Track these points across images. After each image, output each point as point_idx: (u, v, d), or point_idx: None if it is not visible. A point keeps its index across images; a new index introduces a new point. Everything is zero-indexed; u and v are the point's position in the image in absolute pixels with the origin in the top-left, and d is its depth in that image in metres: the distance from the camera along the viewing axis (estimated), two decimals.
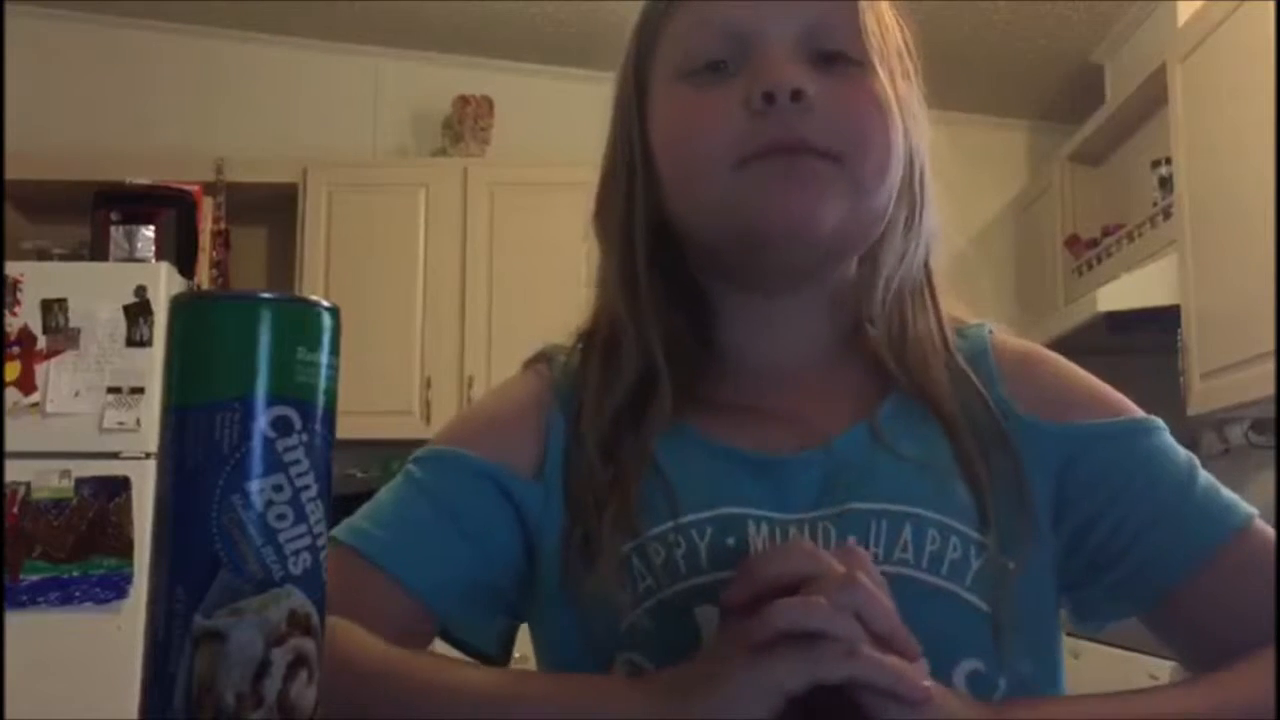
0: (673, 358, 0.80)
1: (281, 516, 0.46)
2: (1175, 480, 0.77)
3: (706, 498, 0.75)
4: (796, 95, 0.73)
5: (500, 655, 0.81)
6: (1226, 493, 0.77)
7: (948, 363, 0.81)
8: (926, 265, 0.84)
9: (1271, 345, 2.50)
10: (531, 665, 0.79)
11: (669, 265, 0.82)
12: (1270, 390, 2.53)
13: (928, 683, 0.61)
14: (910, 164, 0.81)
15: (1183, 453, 0.78)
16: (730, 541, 0.73)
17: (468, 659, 0.79)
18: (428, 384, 3.75)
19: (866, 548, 0.71)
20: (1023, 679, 0.73)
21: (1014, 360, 0.82)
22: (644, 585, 0.73)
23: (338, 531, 0.77)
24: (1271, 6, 2.52)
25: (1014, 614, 0.73)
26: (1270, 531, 0.76)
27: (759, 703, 0.59)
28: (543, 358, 0.87)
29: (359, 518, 0.79)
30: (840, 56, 0.77)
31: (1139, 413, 0.80)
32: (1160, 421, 0.79)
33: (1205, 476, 0.77)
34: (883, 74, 0.77)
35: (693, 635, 0.71)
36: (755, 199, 0.75)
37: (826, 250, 0.78)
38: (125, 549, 3.09)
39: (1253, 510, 0.76)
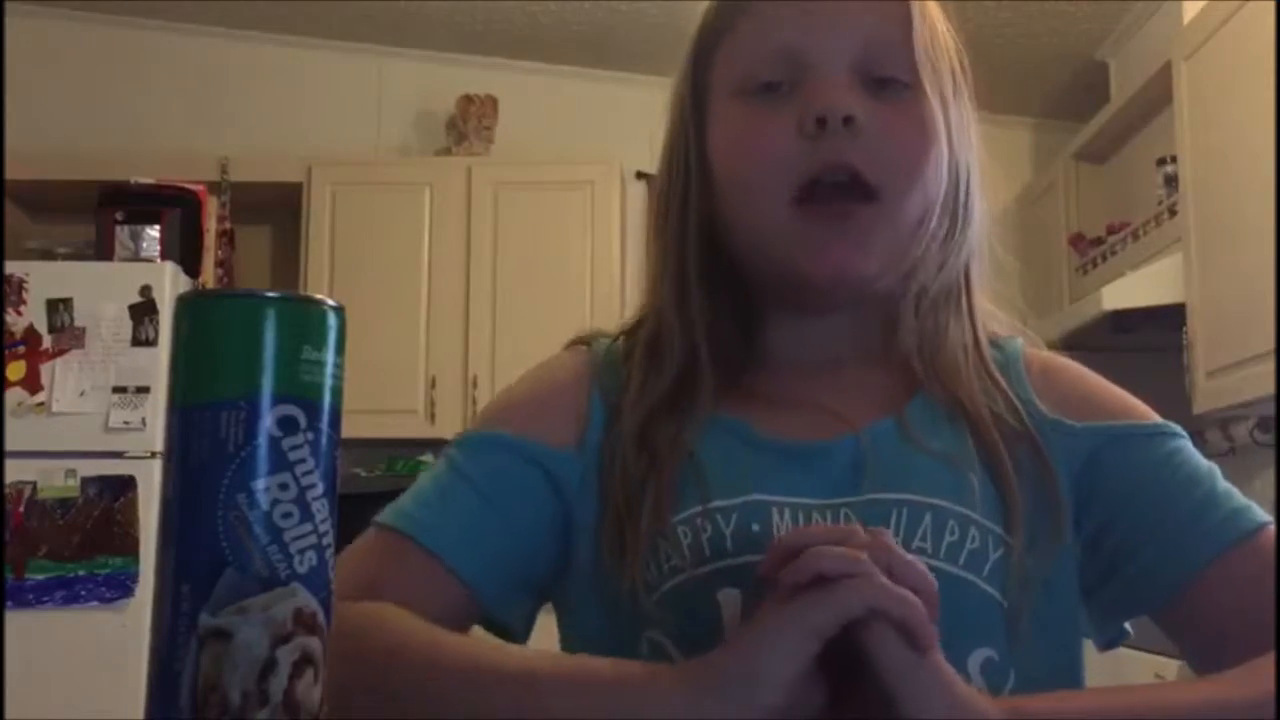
0: (717, 357, 0.82)
1: (287, 515, 0.47)
2: (1195, 482, 0.78)
3: (737, 484, 0.77)
4: (848, 120, 0.76)
5: (523, 635, 0.82)
6: (1245, 499, 0.78)
7: (979, 369, 0.82)
8: (967, 273, 0.85)
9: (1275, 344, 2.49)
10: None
11: (717, 265, 0.84)
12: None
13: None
14: (955, 182, 0.83)
15: (1204, 460, 0.80)
16: (755, 527, 0.75)
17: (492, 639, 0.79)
18: (432, 383, 3.76)
19: None
20: (1036, 675, 0.74)
21: (1041, 368, 0.85)
22: (669, 565, 0.75)
23: (382, 516, 0.79)
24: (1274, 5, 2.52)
25: (1031, 608, 0.74)
26: None
27: (795, 648, 0.60)
28: (584, 339, 0.90)
29: (402, 502, 0.80)
30: (893, 82, 0.79)
31: (1161, 420, 0.82)
32: (1182, 430, 0.81)
33: (1225, 484, 0.79)
34: (933, 97, 0.79)
35: (714, 617, 0.73)
36: (804, 248, 0.78)
37: (867, 289, 0.81)
38: (131, 548, 3.09)
39: (1269, 518, 0.77)
